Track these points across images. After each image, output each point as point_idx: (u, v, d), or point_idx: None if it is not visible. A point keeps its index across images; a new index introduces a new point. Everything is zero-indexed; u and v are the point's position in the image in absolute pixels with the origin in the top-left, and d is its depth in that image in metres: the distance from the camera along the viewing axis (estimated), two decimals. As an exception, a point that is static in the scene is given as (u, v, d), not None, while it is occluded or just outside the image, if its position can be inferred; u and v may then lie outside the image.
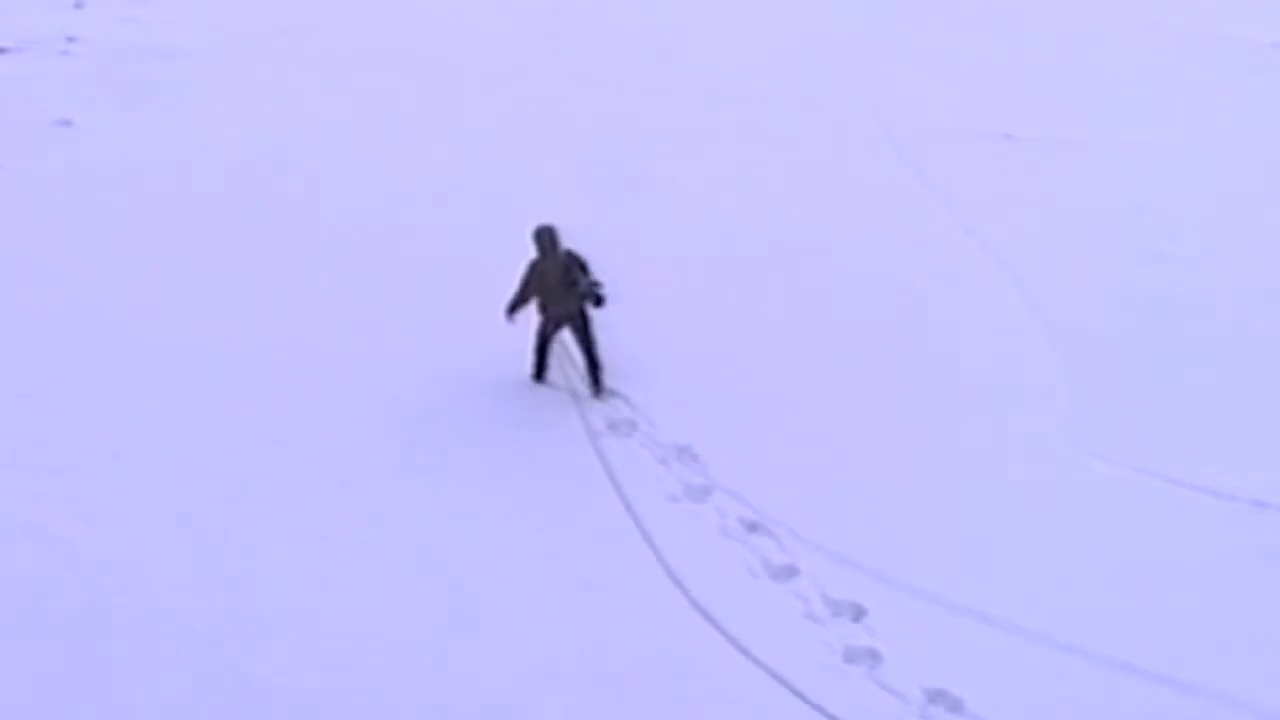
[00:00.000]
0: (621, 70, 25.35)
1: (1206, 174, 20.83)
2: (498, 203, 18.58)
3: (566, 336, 14.87)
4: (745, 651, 10.99)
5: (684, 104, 23.70)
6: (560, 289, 14.48)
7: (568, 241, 14.66)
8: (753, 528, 12.57)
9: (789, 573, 11.98)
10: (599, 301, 14.64)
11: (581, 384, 14.86)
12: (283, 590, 11.78)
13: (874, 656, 11.00)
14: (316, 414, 14.39)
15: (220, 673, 10.83)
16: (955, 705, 10.52)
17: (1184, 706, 10.59)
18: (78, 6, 29.21)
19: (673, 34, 27.73)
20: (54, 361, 15.20)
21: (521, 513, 12.91)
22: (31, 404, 14.45)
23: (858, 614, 11.46)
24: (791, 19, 28.53)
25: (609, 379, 14.84)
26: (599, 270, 14.78)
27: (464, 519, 12.78)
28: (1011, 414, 14.53)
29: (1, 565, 12.03)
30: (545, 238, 14.51)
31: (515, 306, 14.66)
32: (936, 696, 10.59)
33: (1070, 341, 15.95)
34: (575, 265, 14.59)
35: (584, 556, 12.33)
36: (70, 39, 26.98)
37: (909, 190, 20.46)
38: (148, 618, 11.41)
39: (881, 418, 14.47)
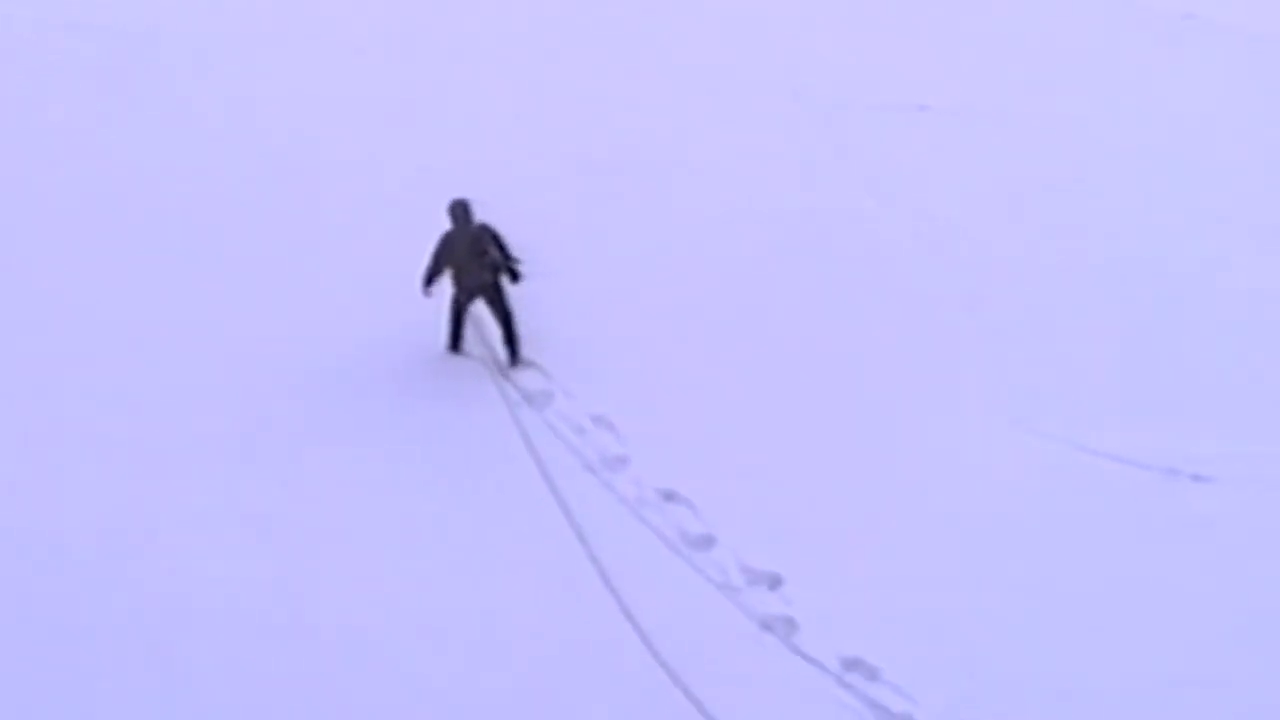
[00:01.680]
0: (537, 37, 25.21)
1: (1119, 144, 20.95)
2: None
3: (481, 309, 14.77)
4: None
5: (593, 74, 23.56)
6: (471, 260, 14.46)
7: (495, 215, 14.68)
8: (669, 497, 12.52)
9: (706, 542, 11.95)
10: (515, 277, 14.65)
11: (497, 354, 14.78)
12: (191, 563, 11.64)
13: (790, 624, 11.00)
14: (228, 387, 14.21)
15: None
16: (872, 673, 10.53)
17: (1103, 671, 10.68)
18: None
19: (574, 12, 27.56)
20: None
21: (437, 483, 12.83)
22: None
23: (774, 582, 11.45)
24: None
25: (527, 350, 14.74)
26: (543, 247, 14.81)
27: (379, 490, 12.70)
28: (933, 382, 14.59)
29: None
30: (458, 210, 14.55)
31: (430, 278, 14.62)
32: (853, 664, 10.59)
33: (989, 312, 16.04)
34: (488, 238, 14.55)
35: (498, 526, 12.27)
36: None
37: (825, 162, 20.45)
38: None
39: (799, 388, 14.49)
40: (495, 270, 14.55)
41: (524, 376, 14.53)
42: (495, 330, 14.84)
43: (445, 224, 14.52)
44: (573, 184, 19.14)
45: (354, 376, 14.55)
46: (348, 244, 17.06)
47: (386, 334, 15.22)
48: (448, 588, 11.43)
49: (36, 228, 17.43)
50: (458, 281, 14.64)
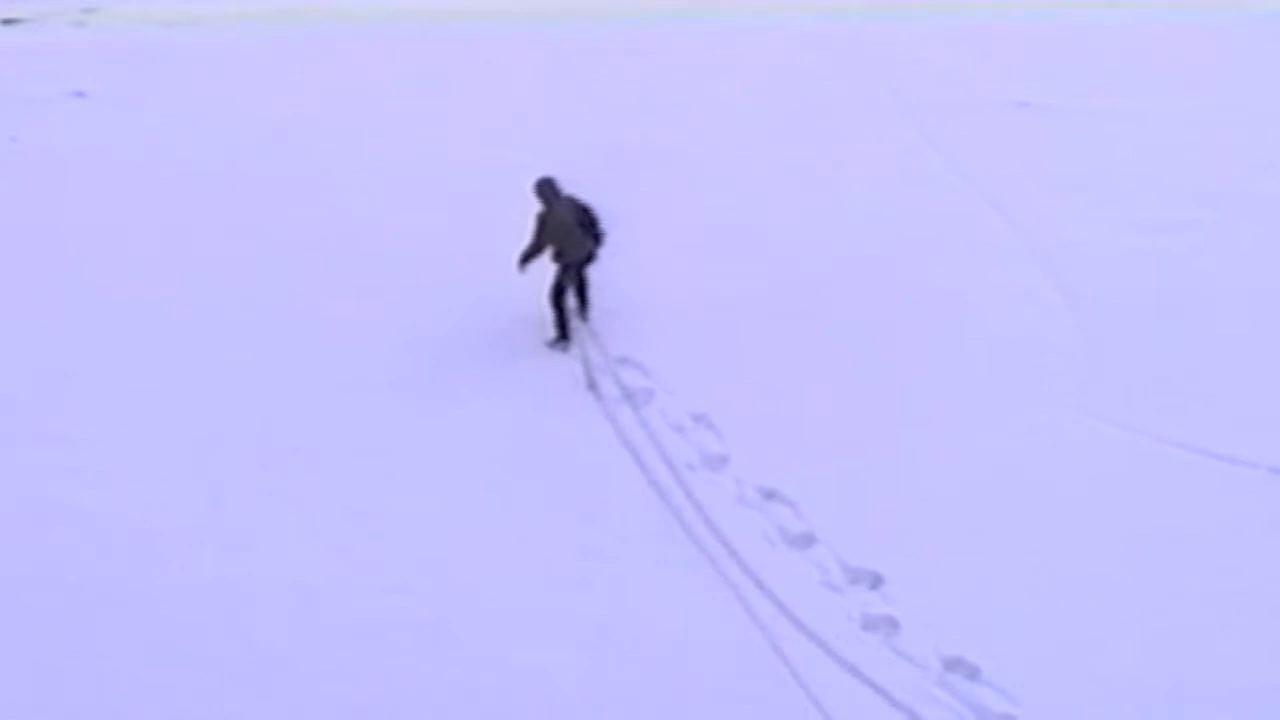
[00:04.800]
0: (638, 42, 25.34)
1: (1224, 140, 20.73)
2: (519, 178, 18.51)
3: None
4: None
5: (697, 77, 23.68)
6: (578, 231, 14.75)
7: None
8: (770, 495, 12.56)
9: (806, 540, 11.98)
10: (599, 239, 15.05)
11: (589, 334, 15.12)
12: (302, 560, 11.82)
13: (892, 624, 11.01)
14: (335, 385, 14.43)
15: (239, 643, 10.89)
16: (973, 672, 10.53)
17: (1198, 673, 10.60)
18: (93, -23, 29.25)
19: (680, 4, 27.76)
20: (71, 333, 15.25)
21: (542, 482, 12.93)
22: (49, 376, 14.50)
23: (875, 581, 11.47)
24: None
25: (626, 348, 14.93)
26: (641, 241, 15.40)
27: (484, 489, 12.80)
28: (1028, 381, 14.50)
29: (21, 538, 12.11)
30: (547, 188, 14.74)
31: (529, 256, 14.80)
32: (954, 664, 10.60)
33: (1087, 308, 15.91)
34: (582, 205, 14.91)
35: (597, 522, 12.36)
36: (86, 10, 27.00)
37: (926, 160, 20.42)
38: (166, 588, 11.47)
39: (899, 386, 14.44)
40: (599, 238, 14.93)
41: (624, 374, 14.62)
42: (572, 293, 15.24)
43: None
44: (658, 177, 19.28)
45: (456, 377, 14.67)
46: (448, 244, 17.30)
47: (489, 335, 15.38)
48: (554, 586, 11.53)
49: (146, 228, 17.81)
50: (561, 255, 14.81)
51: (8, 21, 26.26)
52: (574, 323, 15.14)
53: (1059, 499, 12.63)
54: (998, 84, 23.01)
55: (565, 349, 15.00)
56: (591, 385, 14.42)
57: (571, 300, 15.21)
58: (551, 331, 15.10)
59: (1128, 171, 19.68)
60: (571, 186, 14.97)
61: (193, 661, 10.71)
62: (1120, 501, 12.60)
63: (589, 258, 15.00)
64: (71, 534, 12.10)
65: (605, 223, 15.05)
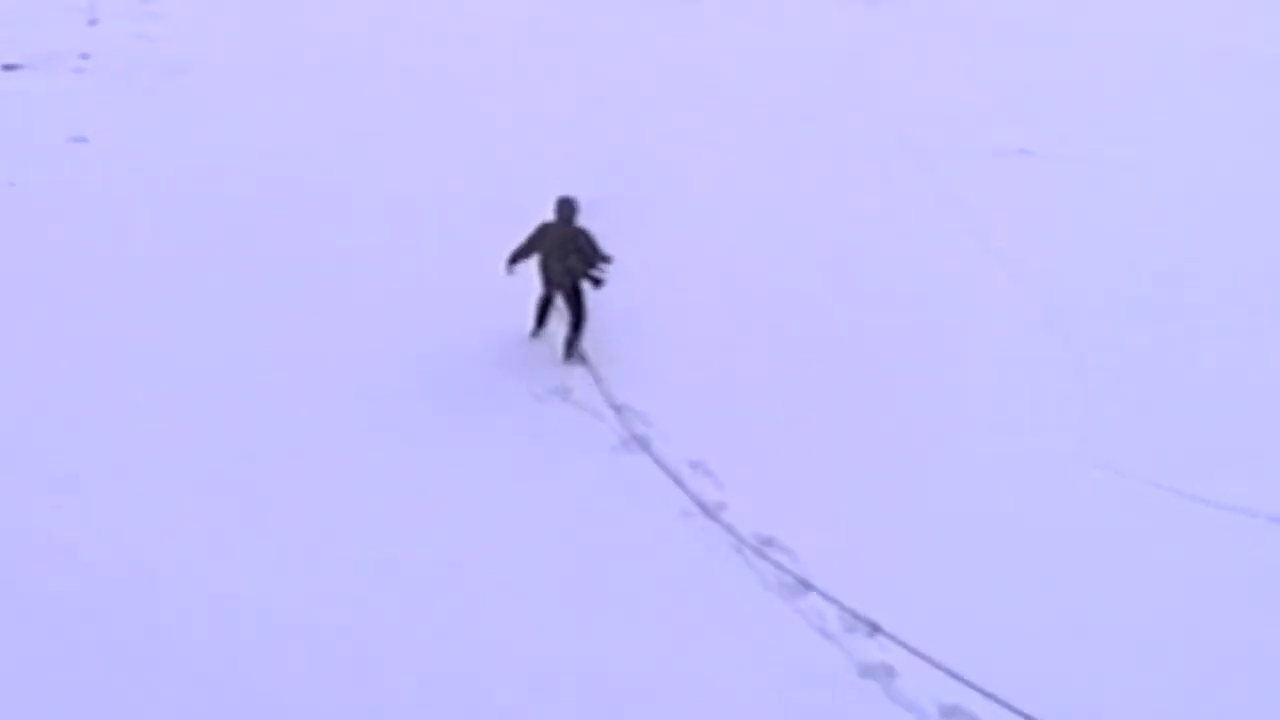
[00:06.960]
0: (635, 85, 25.43)
1: (1224, 191, 20.80)
2: (505, 213, 18.53)
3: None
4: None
5: (698, 120, 23.75)
6: (557, 252, 15.20)
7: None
8: (767, 543, 12.51)
9: (803, 588, 11.93)
10: (597, 283, 15.32)
11: (601, 397, 15.01)
12: (292, 602, 11.73)
13: (889, 672, 10.95)
14: (329, 426, 14.37)
15: (229, 684, 10.78)
16: (971, 721, 10.50)
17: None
18: (92, 23, 29.43)
19: (688, 48, 27.84)
20: (65, 373, 15.21)
21: (536, 527, 12.85)
22: (41, 415, 14.46)
23: (872, 629, 11.41)
24: (807, 34, 28.64)
25: (624, 394, 14.89)
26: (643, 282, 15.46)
27: (478, 533, 12.73)
28: (1027, 428, 14.51)
29: (10, 576, 12.01)
30: (563, 207, 15.31)
31: (516, 257, 15.44)
32: (951, 711, 10.55)
33: (1087, 357, 15.95)
34: (581, 241, 15.21)
35: (596, 570, 12.27)
36: (84, 55, 27.13)
37: (926, 205, 20.47)
38: (156, 628, 11.36)
39: (895, 433, 14.43)
40: (572, 274, 15.24)
41: (623, 421, 14.58)
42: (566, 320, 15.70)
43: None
44: (656, 216, 19.33)
45: (451, 419, 14.62)
46: (440, 281, 17.36)
47: (485, 376, 15.37)
48: (556, 632, 11.45)
49: (142, 272, 17.83)
50: (543, 269, 15.45)
51: (9, 67, 26.35)
52: (567, 362, 15.59)
53: (1057, 546, 12.60)
54: (1001, 131, 23.10)
55: (535, 333, 16.02)
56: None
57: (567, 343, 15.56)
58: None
59: (1129, 222, 19.74)
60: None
61: (191, 703, 10.63)
62: (1118, 548, 12.59)
63: (562, 285, 15.39)
64: (66, 573, 12.00)
65: (608, 267, 15.20)
